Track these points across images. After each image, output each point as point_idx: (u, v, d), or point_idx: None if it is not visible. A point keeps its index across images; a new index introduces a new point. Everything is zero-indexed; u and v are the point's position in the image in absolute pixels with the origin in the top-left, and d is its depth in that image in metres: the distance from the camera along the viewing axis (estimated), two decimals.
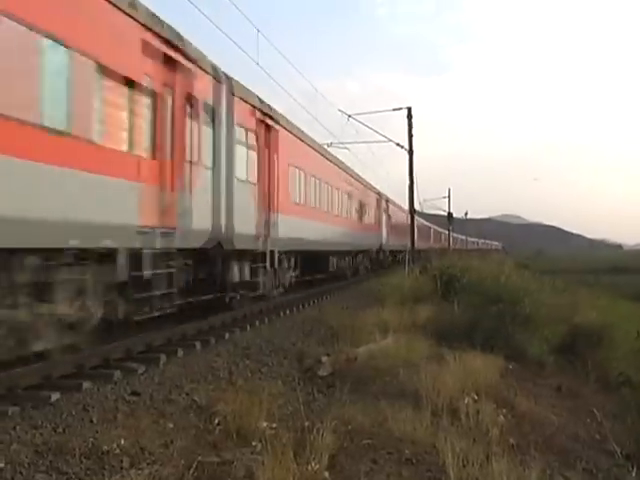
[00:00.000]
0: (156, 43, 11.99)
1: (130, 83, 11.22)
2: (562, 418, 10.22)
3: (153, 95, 12.04)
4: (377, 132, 40.93)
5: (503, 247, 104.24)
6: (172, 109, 12.69)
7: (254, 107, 17.75)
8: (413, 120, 39.99)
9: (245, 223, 16.75)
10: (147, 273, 11.54)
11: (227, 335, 14.31)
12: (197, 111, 13.86)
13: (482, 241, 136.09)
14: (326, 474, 6.22)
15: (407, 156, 40.03)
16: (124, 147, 11.19)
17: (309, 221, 24.52)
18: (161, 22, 12.27)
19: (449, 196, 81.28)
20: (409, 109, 40.14)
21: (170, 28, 12.64)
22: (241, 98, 16.67)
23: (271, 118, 19.21)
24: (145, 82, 11.65)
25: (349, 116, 38.45)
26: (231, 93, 15.95)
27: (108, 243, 10.48)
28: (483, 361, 11.21)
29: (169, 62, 12.51)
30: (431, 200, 79.96)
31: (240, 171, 16.52)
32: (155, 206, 12.01)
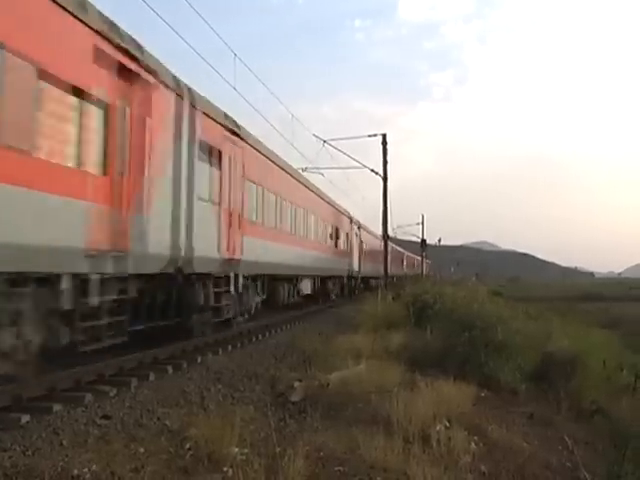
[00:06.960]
0: None
1: None
2: (534, 446, 10.22)
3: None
4: (352, 158, 41.16)
5: (476, 274, 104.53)
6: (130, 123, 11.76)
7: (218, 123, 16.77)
8: (389, 146, 40.28)
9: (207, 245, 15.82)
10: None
11: (199, 359, 14.23)
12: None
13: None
14: None
15: (382, 182, 40.28)
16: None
17: (274, 244, 23.03)
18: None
19: (422, 222, 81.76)
20: (384, 136, 40.38)
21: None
22: (205, 113, 15.69)
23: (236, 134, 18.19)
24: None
25: (324, 141, 38.57)
26: (193, 107, 14.93)
27: None
28: (455, 388, 11.20)
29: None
30: (405, 226, 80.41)
31: (201, 189, 15.42)
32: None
